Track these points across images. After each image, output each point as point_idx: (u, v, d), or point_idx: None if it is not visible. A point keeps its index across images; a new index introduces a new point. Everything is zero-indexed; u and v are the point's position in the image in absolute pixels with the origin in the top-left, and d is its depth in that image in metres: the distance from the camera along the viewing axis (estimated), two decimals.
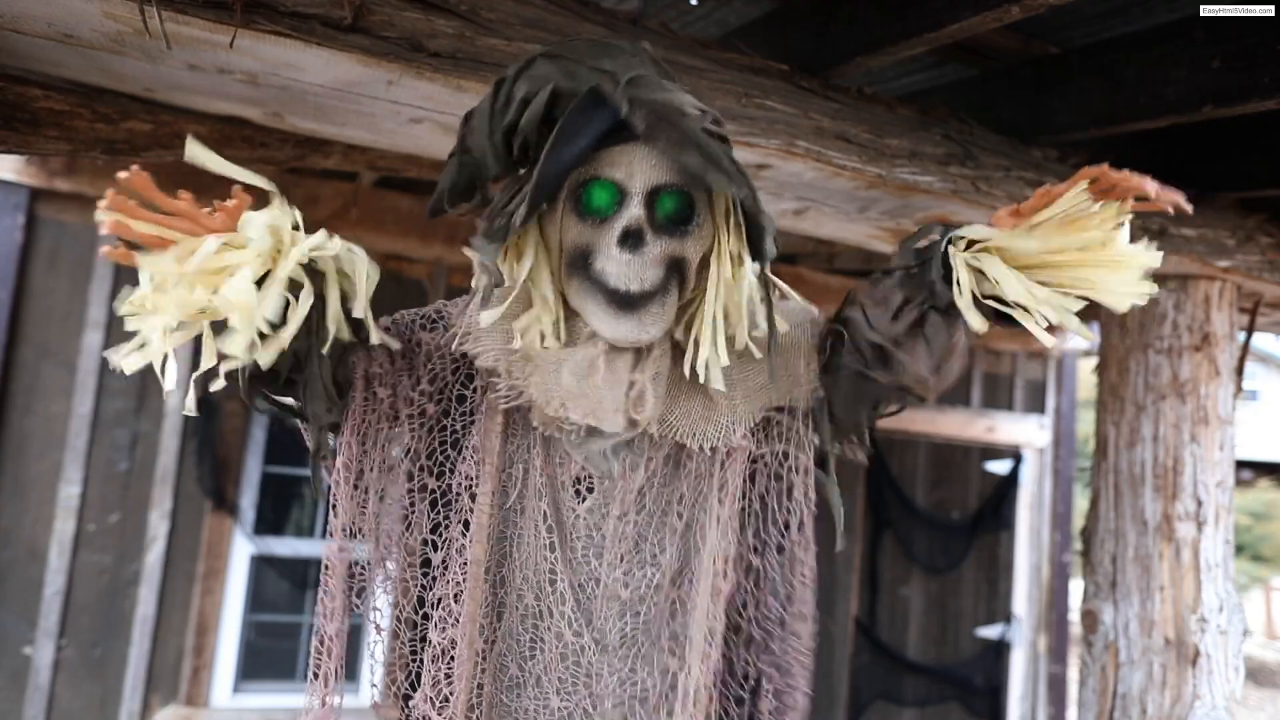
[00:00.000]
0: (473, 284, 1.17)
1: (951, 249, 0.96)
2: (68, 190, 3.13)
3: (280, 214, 0.88)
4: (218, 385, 0.87)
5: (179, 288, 0.82)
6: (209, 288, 0.83)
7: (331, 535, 1.08)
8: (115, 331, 3.16)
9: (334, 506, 1.07)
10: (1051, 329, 0.94)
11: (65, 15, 1.37)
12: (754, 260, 1.04)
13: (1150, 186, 0.91)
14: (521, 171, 1.01)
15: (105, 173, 3.11)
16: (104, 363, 3.14)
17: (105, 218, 0.82)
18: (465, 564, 1.09)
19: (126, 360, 0.85)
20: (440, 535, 1.13)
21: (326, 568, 1.08)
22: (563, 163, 0.94)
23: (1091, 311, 3.05)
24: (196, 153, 0.84)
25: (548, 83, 0.97)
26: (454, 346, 1.12)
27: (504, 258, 1.06)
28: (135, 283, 0.86)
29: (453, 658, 1.08)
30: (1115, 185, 0.92)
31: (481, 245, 0.99)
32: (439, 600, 1.10)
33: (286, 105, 1.74)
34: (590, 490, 1.12)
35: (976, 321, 0.94)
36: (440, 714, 1.07)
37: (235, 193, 0.86)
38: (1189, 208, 0.93)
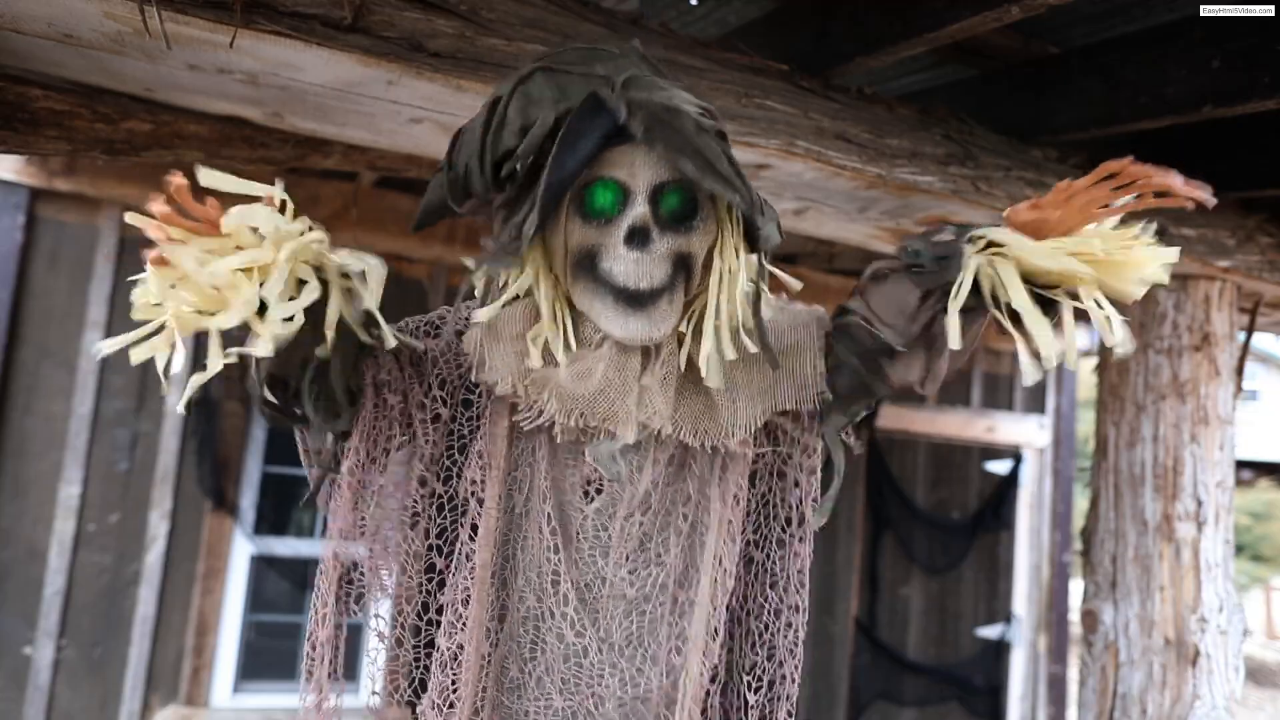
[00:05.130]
0: (471, 299, 1.17)
1: (969, 248, 0.96)
2: (68, 190, 3.13)
3: (283, 216, 0.88)
4: (217, 368, 0.87)
5: (194, 283, 0.83)
6: (223, 284, 0.84)
7: (329, 540, 1.08)
8: (115, 331, 3.15)
9: (335, 512, 1.07)
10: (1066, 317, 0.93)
11: (65, 15, 1.37)
12: (750, 253, 1.04)
13: (1175, 180, 0.90)
14: (510, 192, 1.01)
15: (105, 173, 3.11)
16: (104, 363, 3.14)
17: (148, 224, 0.83)
18: (473, 569, 1.09)
19: (135, 351, 0.85)
20: (446, 540, 1.13)
21: (322, 573, 1.08)
22: (568, 171, 0.94)
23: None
24: (211, 177, 0.84)
25: (544, 107, 0.97)
26: (472, 377, 1.12)
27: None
28: (136, 282, 0.87)
29: (460, 663, 1.08)
30: (1137, 179, 0.91)
31: (497, 265, 0.99)
32: (447, 605, 1.10)
33: (286, 105, 1.74)
34: (599, 491, 1.12)
35: (955, 335, 0.94)
36: (446, 719, 1.08)
37: (267, 198, 0.87)
38: (1212, 202, 0.91)
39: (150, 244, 0.83)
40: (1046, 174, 2.26)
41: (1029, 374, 0.91)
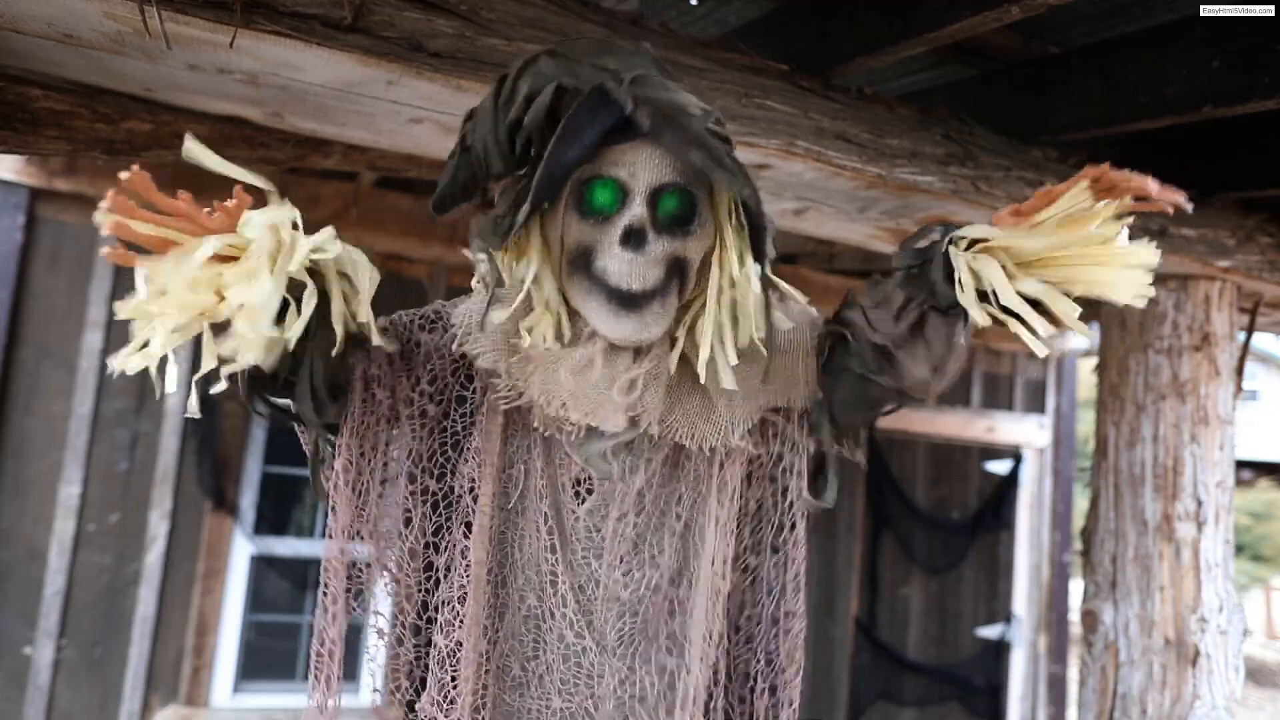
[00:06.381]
0: (473, 284, 1.17)
1: (952, 249, 0.96)
2: (68, 190, 3.13)
3: (280, 213, 0.88)
4: (220, 388, 0.87)
5: (179, 290, 0.82)
6: (210, 289, 0.83)
7: (332, 538, 1.08)
8: (115, 331, 3.17)
9: (334, 509, 1.07)
10: (1055, 322, 0.94)
11: (65, 15, 1.37)
12: (755, 261, 1.04)
13: (1151, 186, 0.91)
14: (522, 171, 1.01)
15: (105, 173, 3.11)
16: (104, 363, 3.14)
17: (105, 219, 0.82)
18: (468, 566, 1.09)
19: (128, 362, 0.84)
20: (442, 538, 1.13)
21: (327, 570, 1.08)
22: (567, 160, 0.94)
23: (1091, 311, 3.02)
24: (195, 151, 0.84)
25: (551, 79, 0.97)
26: (454, 348, 1.11)
27: (505, 258, 1.06)
28: (135, 284, 0.86)
29: (458, 660, 1.08)
30: (1116, 184, 0.91)
31: (482, 242, 0.99)
32: (444, 603, 1.10)
33: (286, 105, 1.74)
34: (590, 492, 1.12)
35: (980, 316, 0.94)
36: (447, 716, 1.08)
37: (236, 193, 0.86)
38: (1189, 207, 0.93)
39: (110, 243, 0.82)
40: (1046, 174, 2.26)
41: (1039, 349, 0.92)
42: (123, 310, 0.83)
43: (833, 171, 1.96)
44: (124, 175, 0.80)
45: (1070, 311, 0.91)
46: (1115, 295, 0.91)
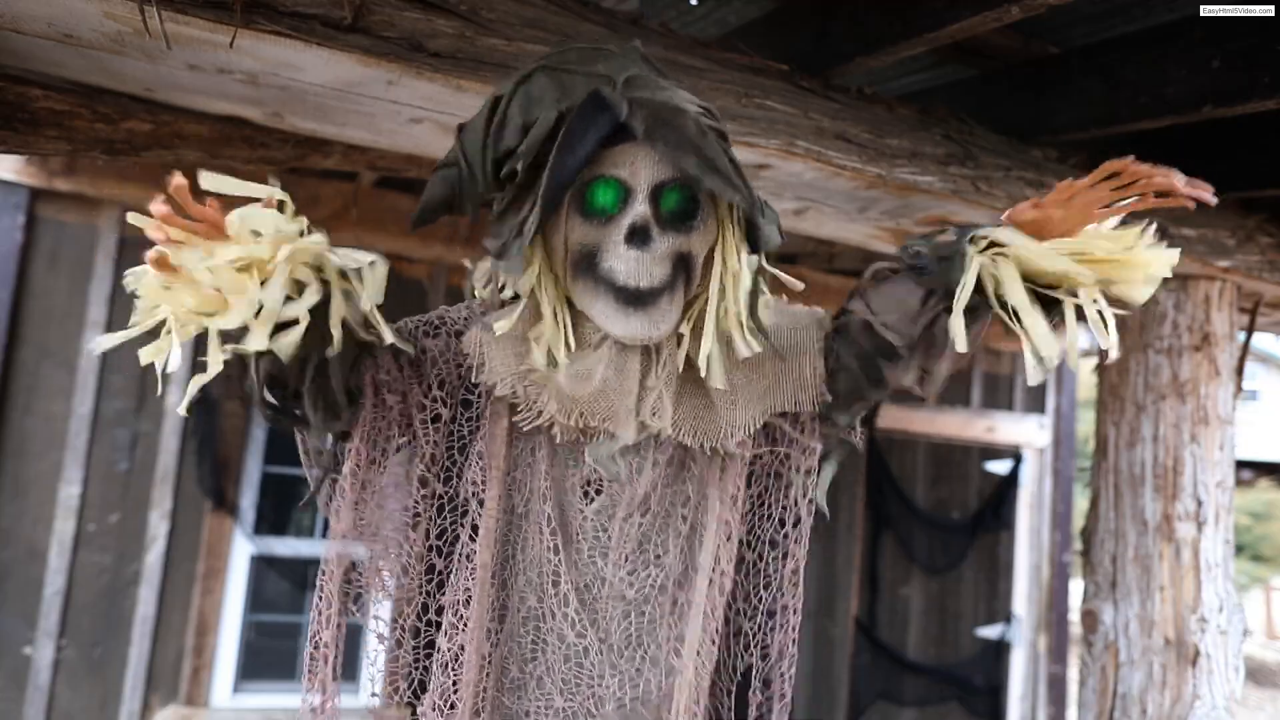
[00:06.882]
0: (474, 296, 1.17)
1: (971, 248, 0.96)
2: (68, 190, 3.12)
3: (283, 216, 0.89)
4: (214, 368, 0.88)
5: (200, 279, 0.84)
6: (225, 281, 0.84)
7: (333, 540, 1.08)
8: (115, 332, 3.16)
9: (338, 513, 1.07)
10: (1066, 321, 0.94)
11: (65, 15, 1.37)
12: (751, 253, 1.04)
13: (1176, 179, 0.90)
14: (510, 194, 1.01)
15: (105, 173, 3.11)
16: (104, 363, 3.14)
17: (151, 228, 0.83)
18: (473, 570, 1.09)
19: (142, 351, 0.87)
20: (445, 541, 1.13)
21: (324, 573, 1.08)
22: (569, 169, 0.94)
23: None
24: (215, 181, 0.85)
25: (546, 105, 0.97)
26: (472, 378, 1.12)
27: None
28: (130, 279, 0.88)
29: (461, 663, 1.08)
30: (1139, 179, 0.91)
31: (512, 277, 0.98)
32: (448, 607, 1.10)
33: (286, 105, 1.74)
34: (599, 492, 1.12)
35: (960, 335, 0.95)
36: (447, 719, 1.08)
37: (267, 202, 0.88)
38: (1214, 201, 0.92)
39: (151, 244, 0.84)
40: (1046, 174, 2.26)
41: (1033, 374, 0.92)
42: (137, 286, 0.86)
43: (833, 171, 1.96)
44: (174, 183, 0.83)
45: (1051, 347, 0.92)
46: (1130, 295, 0.92)
